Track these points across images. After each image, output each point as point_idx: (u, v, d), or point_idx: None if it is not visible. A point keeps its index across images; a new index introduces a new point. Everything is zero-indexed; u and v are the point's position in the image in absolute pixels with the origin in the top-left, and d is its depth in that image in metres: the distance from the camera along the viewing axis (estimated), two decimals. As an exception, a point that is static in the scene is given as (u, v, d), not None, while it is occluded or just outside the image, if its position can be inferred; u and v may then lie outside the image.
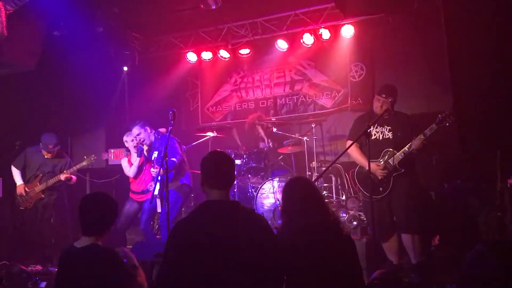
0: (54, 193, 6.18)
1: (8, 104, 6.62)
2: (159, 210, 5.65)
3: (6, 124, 6.62)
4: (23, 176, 6.18)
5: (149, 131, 5.83)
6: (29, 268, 4.99)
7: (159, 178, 5.38)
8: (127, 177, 6.12)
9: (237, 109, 8.32)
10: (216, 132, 7.03)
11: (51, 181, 6.06)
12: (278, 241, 2.63)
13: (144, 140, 5.82)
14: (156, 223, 6.30)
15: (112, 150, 6.46)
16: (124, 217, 5.97)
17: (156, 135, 5.76)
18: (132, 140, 5.95)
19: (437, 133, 4.54)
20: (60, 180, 6.05)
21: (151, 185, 5.69)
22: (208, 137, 6.96)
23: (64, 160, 6.30)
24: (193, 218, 2.64)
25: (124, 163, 6.07)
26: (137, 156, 5.92)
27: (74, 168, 6.14)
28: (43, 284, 4.69)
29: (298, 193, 2.96)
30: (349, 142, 4.82)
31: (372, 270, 3.92)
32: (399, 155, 4.71)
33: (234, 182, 2.87)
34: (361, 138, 4.73)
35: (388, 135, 4.84)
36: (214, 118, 8.33)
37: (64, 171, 6.06)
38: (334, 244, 2.82)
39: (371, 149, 4.73)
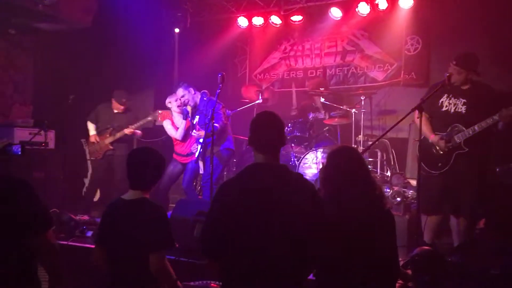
0: (122, 145, 6.50)
1: (63, 59, 6.73)
2: (201, 171, 5.70)
3: (59, 78, 6.73)
4: (96, 130, 6.57)
5: (193, 92, 5.79)
6: (77, 217, 5.16)
7: (201, 140, 5.42)
8: (172, 139, 6.16)
9: (285, 77, 8.12)
10: (262, 98, 6.91)
11: (118, 134, 6.39)
12: (323, 209, 2.56)
13: (188, 102, 5.81)
14: (199, 184, 6.37)
15: (159, 111, 6.47)
16: (168, 177, 6.01)
17: (203, 97, 5.74)
18: (176, 100, 5.92)
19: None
20: (126, 134, 6.36)
21: (195, 147, 5.70)
22: (254, 103, 6.92)
23: (131, 114, 6.57)
24: (239, 178, 2.62)
25: (168, 125, 6.04)
26: (183, 119, 5.90)
27: (140, 122, 6.40)
28: (90, 233, 4.82)
29: (345, 162, 2.81)
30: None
31: (413, 247, 3.85)
32: (466, 132, 4.39)
33: (281, 146, 2.68)
34: (433, 108, 4.54)
35: (461, 108, 4.49)
36: (261, 85, 8.16)
37: (129, 126, 6.37)
38: (375, 218, 2.73)
39: (439, 121, 4.57)
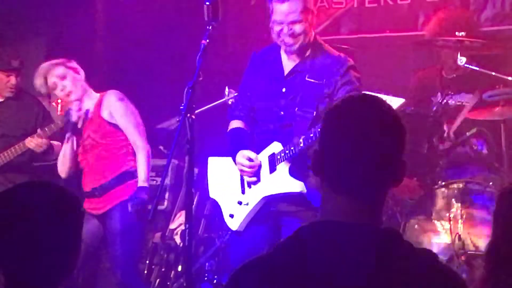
0: (17, 176, 3.97)
1: None
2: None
3: None
4: None
5: None
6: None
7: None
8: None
9: (367, 4, 4.60)
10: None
11: (9, 153, 3.96)
12: None
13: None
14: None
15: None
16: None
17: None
18: None
19: None
20: (28, 149, 3.99)
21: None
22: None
23: (33, 108, 4.10)
24: (285, 261, 1.32)
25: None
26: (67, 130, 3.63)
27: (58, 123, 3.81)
28: None
29: None
30: None
31: None
32: None
33: (390, 183, 1.25)
34: None
35: None
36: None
37: (39, 130, 3.87)
38: None
39: None
